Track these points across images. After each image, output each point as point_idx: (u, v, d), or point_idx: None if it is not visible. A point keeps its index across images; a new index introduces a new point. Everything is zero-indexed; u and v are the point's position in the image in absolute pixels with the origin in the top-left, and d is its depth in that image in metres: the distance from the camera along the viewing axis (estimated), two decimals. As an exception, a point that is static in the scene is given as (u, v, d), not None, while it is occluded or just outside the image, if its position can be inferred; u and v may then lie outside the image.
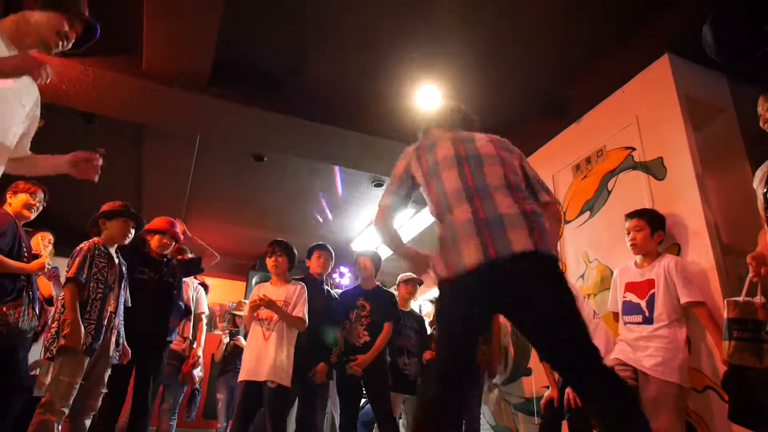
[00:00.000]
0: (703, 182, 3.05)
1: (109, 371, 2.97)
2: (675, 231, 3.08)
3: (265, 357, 3.24)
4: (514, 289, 1.76)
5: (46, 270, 3.17)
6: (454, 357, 1.80)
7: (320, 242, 3.98)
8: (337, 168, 5.56)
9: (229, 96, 4.21)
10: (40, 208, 3.33)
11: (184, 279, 3.89)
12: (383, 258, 4.16)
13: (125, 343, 3.09)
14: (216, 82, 4.14)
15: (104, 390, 2.94)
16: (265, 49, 4.00)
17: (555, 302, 1.74)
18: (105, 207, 3.19)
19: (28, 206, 3.18)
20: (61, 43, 1.99)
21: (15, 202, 3.18)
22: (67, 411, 2.68)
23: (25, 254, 3.08)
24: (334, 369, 3.77)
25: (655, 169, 3.29)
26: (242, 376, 3.31)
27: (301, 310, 3.37)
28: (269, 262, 3.56)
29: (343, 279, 7.82)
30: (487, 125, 4.77)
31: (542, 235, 1.80)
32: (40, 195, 3.31)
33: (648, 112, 3.43)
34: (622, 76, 3.68)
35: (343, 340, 3.80)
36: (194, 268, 3.81)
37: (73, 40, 2.09)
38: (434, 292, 4.92)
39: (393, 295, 4.13)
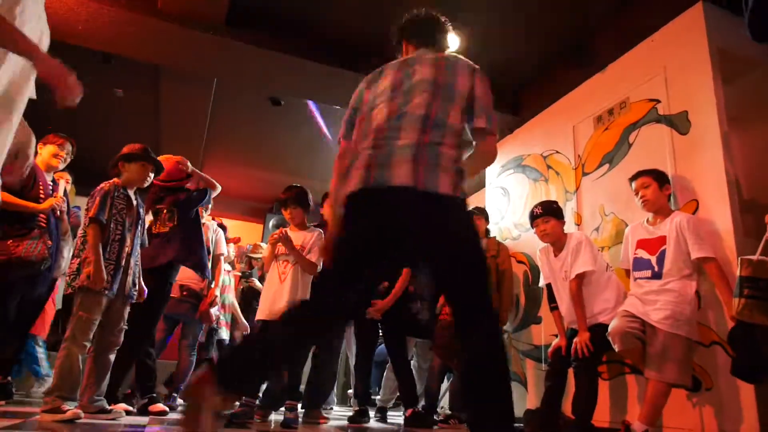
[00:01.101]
0: (728, 139, 2.98)
1: (128, 309, 3.10)
2: (695, 186, 3.05)
3: (280, 298, 3.35)
4: (399, 223, 1.65)
5: (57, 210, 3.38)
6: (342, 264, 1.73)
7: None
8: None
9: (245, 38, 4.14)
10: (68, 160, 3.57)
11: (203, 221, 3.99)
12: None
13: (141, 283, 3.20)
14: (232, 23, 4.07)
15: (125, 326, 3.07)
16: (282, -11, 3.91)
17: (446, 242, 1.64)
18: (125, 149, 3.23)
19: (56, 156, 3.48)
20: None
21: (44, 152, 3.47)
22: (88, 345, 2.82)
23: (42, 196, 3.32)
24: None
25: (680, 123, 3.22)
26: (259, 315, 3.43)
27: (314, 256, 3.44)
28: (284, 213, 3.62)
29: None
30: (507, 73, 4.71)
31: (428, 171, 1.63)
32: (68, 147, 3.54)
33: (677, 64, 3.32)
34: (652, 25, 3.54)
35: None
36: (201, 196, 3.88)
37: None
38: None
39: None
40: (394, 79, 1.90)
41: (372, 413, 4.02)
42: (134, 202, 3.18)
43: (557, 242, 3.31)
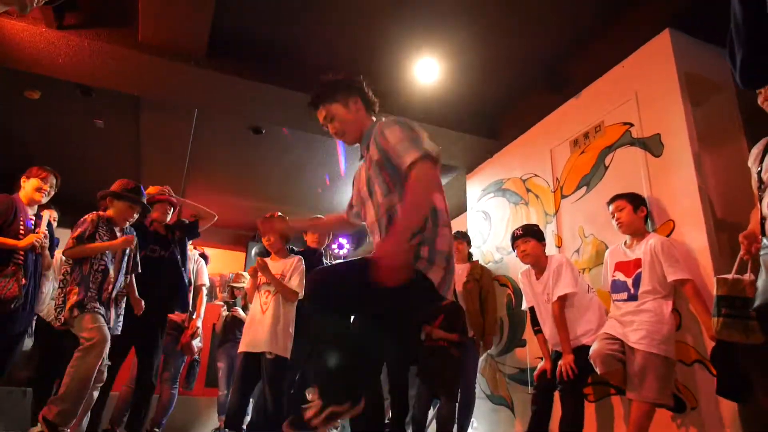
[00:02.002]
0: (700, 159, 3.07)
1: (108, 345, 3.01)
2: (670, 207, 3.11)
3: (263, 328, 3.32)
4: None
5: (37, 246, 3.31)
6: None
7: (316, 216, 3.98)
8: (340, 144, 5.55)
9: (226, 68, 4.17)
10: (52, 193, 3.53)
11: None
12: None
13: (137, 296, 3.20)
14: (213, 54, 4.11)
15: (108, 363, 2.98)
16: (262, 21, 3.96)
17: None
18: (116, 185, 3.22)
19: (39, 190, 3.42)
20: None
21: (27, 186, 3.43)
22: (101, 359, 2.78)
23: (21, 231, 3.27)
24: None
25: (653, 145, 3.31)
26: (241, 348, 3.39)
27: (294, 283, 3.43)
28: (264, 241, 3.62)
29: (342, 250, 7.90)
30: (486, 99, 4.80)
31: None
32: (52, 180, 3.50)
33: (647, 88, 3.42)
34: (622, 51, 3.66)
35: None
36: (193, 231, 3.87)
37: None
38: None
39: None
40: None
41: None
42: (119, 235, 3.15)
43: (538, 264, 3.35)
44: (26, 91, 4.79)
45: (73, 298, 2.84)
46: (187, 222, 3.93)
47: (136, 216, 3.25)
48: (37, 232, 3.36)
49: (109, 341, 2.84)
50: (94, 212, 3.10)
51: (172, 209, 3.82)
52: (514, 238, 3.43)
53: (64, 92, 4.70)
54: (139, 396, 3.49)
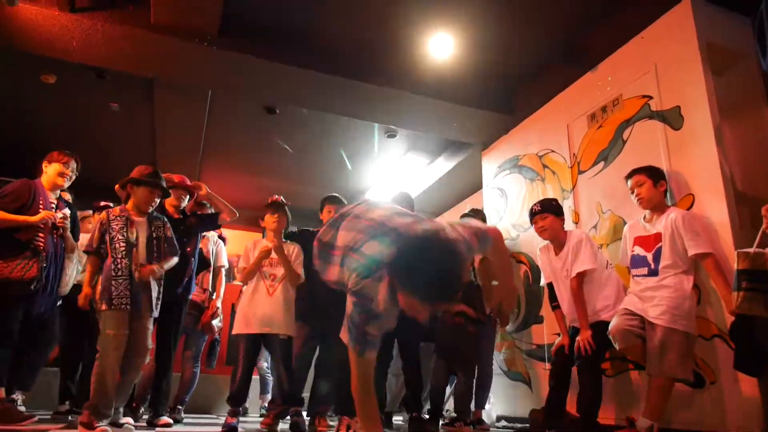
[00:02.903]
0: (721, 132, 3.00)
1: (152, 327, 3.08)
2: (690, 181, 3.06)
3: (275, 311, 3.37)
4: None
5: (49, 223, 3.34)
6: None
7: (332, 194, 3.97)
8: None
9: (239, 47, 4.16)
10: (73, 177, 3.57)
11: (203, 233, 4.07)
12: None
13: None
14: (226, 33, 4.09)
15: (150, 346, 3.06)
16: (274, -1, 3.93)
17: None
18: (135, 172, 3.21)
19: (62, 175, 3.47)
20: None
21: (49, 171, 3.48)
22: (118, 364, 2.82)
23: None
24: None
25: (672, 118, 3.24)
26: (253, 329, 3.38)
27: (300, 268, 3.49)
28: (271, 218, 3.58)
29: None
30: (501, 74, 4.73)
31: None
32: (73, 164, 3.53)
33: (667, 60, 3.34)
34: (641, 22, 3.56)
35: None
36: (211, 223, 3.92)
37: None
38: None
39: None
40: None
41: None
42: (137, 219, 3.13)
43: (556, 239, 3.33)
44: (42, 75, 4.83)
45: (102, 291, 2.88)
46: (207, 214, 4.00)
47: (157, 200, 3.26)
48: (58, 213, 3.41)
49: (125, 342, 2.86)
50: (104, 213, 3.11)
51: (188, 196, 3.88)
52: (532, 214, 3.40)
53: (79, 76, 4.72)
54: (158, 375, 3.60)
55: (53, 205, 3.47)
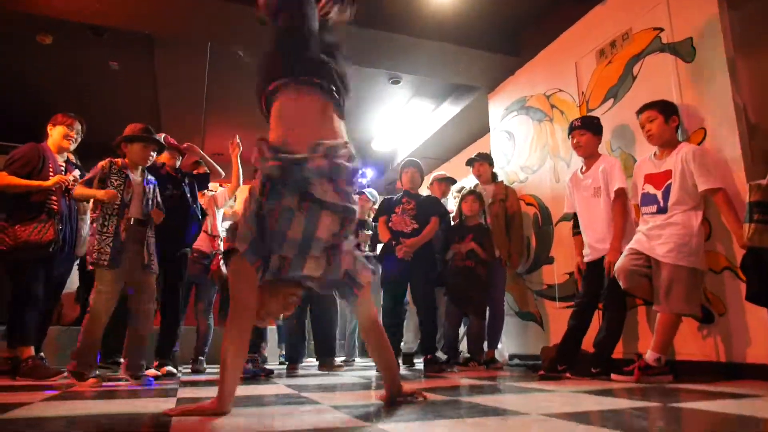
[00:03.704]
0: (734, 65, 2.92)
1: (153, 279, 3.19)
2: (702, 114, 3.01)
3: None
4: None
5: (63, 186, 3.41)
6: None
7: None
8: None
9: (235, -2, 4.05)
10: (79, 139, 3.61)
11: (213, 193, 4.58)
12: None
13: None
14: (222, -17, 3.98)
15: (154, 296, 3.21)
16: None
17: None
18: (127, 130, 3.27)
19: (66, 137, 3.51)
20: None
21: (54, 134, 3.52)
22: (106, 318, 2.95)
23: (51, 177, 3.36)
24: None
25: (684, 50, 3.15)
26: None
27: None
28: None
29: (365, 178, 7.88)
30: (506, 14, 4.59)
31: None
32: (78, 126, 3.57)
33: (679, -11, 3.22)
34: (652, -51, 3.41)
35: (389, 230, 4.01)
36: (202, 182, 4.25)
37: None
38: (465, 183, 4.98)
39: (437, 197, 4.30)
40: None
41: (399, 361, 4.14)
42: (135, 179, 3.20)
43: (589, 159, 3.31)
44: (38, 35, 4.75)
45: (92, 249, 2.97)
46: (200, 174, 4.27)
47: (153, 154, 3.32)
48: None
49: (114, 297, 2.97)
50: (107, 158, 3.17)
51: (180, 156, 4.07)
52: (572, 128, 3.36)
53: (76, 35, 4.65)
54: (165, 326, 3.77)
55: (62, 168, 3.50)
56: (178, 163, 4.05)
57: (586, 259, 3.26)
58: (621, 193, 3.09)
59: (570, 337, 3.15)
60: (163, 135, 3.93)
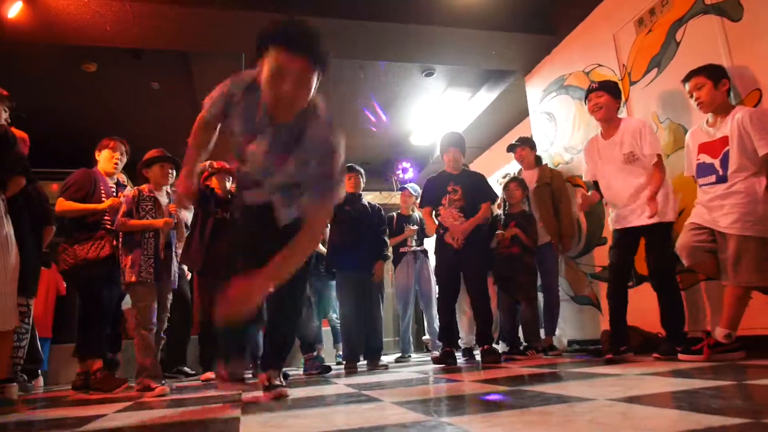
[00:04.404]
0: (787, 17, 2.76)
1: (170, 296, 3.48)
2: (756, 74, 2.85)
3: None
4: None
5: (116, 207, 3.54)
6: None
7: (349, 164, 4.10)
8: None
9: (265, 8, 4.11)
10: (124, 160, 3.80)
11: None
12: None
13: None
14: (250, -6, 4.05)
15: (167, 313, 3.47)
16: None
17: None
18: (146, 156, 3.51)
19: (112, 161, 3.69)
20: None
21: (101, 158, 3.71)
22: (154, 328, 3.23)
23: (104, 200, 3.55)
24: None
25: (730, 9, 2.99)
26: None
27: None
28: None
29: (407, 173, 7.85)
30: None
31: None
32: (122, 148, 3.76)
33: (719, -55, 3.06)
34: None
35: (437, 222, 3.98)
36: None
37: None
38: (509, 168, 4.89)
39: (483, 175, 4.13)
40: None
41: (459, 355, 4.11)
42: (164, 201, 3.46)
43: (609, 120, 3.20)
44: (83, 64, 4.97)
45: (127, 269, 3.20)
46: None
47: (172, 172, 3.52)
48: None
49: (154, 310, 3.25)
50: (135, 188, 3.42)
51: (230, 178, 4.18)
52: (589, 91, 3.26)
53: (117, 60, 4.83)
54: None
55: (113, 190, 3.67)
56: (228, 185, 4.20)
57: (613, 227, 3.16)
58: (660, 161, 2.98)
59: (616, 317, 3.04)
60: (208, 162, 4.12)
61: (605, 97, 3.17)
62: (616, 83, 3.32)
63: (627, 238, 3.06)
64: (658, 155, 2.99)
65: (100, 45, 4.24)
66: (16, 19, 3.69)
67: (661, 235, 2.94)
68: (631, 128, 3.09)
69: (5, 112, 2.95)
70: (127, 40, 4.23)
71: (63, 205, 3.46)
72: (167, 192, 3.57)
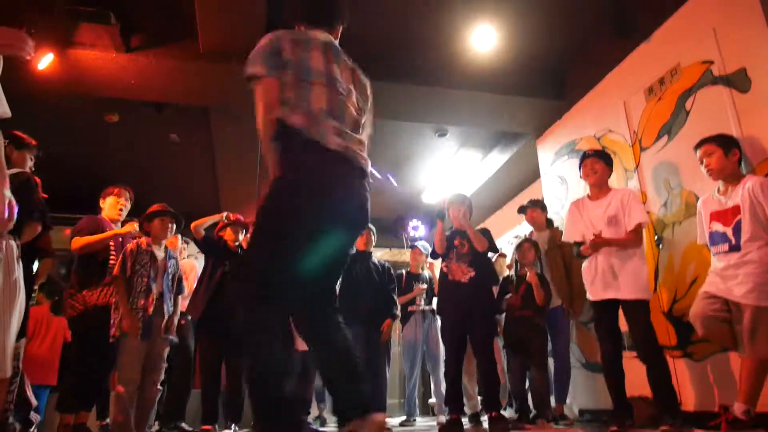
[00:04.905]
0: (795, 89, 2.79)
1: (167, 349, 3.45)
2: (766, 144, 2.86)
3: None
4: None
5: (134, 234, 3.65)
6: None
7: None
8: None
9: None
10: (128, 206, 3.86)
11: None
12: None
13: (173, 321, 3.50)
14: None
15: (164, 365, 3.43)
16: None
17: None
18: (148, 210, 3.60)
19: (117, 207, 3.77)
20: None
21: (106, 206, 3.78)
22: (135, 384, 3.17)
23: (112, 246, 3.59)
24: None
25: (738, 81, 3.04)
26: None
27: None
28: None
29: (418, 231, 7.84)
30: (548, 58, 4.60)
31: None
32: (125, 194, 3.84)
33: (726, 21, 3.14)
34: (693, -16, 3.38)
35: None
36: None
37: None
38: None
39: (487, 229, 4.11)
40: (327, 67, 1.91)
41: (465, 421, 3.95)
42: (160, 255, 3.48)
43: (600, 188, 3.25)
44: (106, 115, 5.13)
45: (117, 321, 3.21)
46: None
47: (172, 225, 3.58)
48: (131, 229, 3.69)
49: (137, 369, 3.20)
50: (134, 242, 3.45)
51: (244, 231, 4.17)
52: (584, 156, 3.32)
53: (139, 112, 4.99)
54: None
55: (120, 239, 3.70)
56: (241, 237, 4.17)
57: (593, 298, 3.12)
58: (639, 229, 3.00)
59: (615, 391, 3.00)
60: (225, 213, 4.18)
61: (601, 164, 3.26)
62: (608, 154, 3.42)
63: (606, 311, 3.06)
64: (639, 224, 3.00)
65: (124, 98, 4.40)
66: (45, 71, 3.85)
67: (638, 310, 2.91)
68: (620, 195, 3.15)
69: (31, 160, 3.03)
70: (150, 93, 4.39)
71: (79, 241, 3.49)
72: (165, 246, 3.61)
